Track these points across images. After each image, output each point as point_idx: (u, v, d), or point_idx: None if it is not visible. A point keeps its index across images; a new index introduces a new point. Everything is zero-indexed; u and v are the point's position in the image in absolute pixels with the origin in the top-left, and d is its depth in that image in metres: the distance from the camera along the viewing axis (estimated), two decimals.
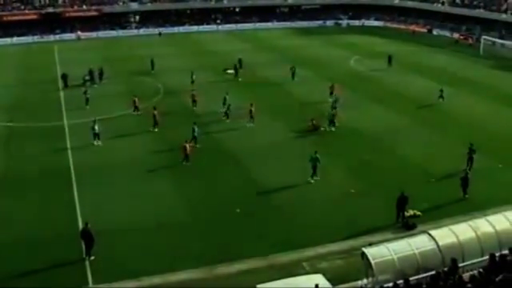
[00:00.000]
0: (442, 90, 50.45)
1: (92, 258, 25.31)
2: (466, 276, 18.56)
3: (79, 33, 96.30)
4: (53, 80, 61.27)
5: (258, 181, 33.76)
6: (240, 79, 60.69)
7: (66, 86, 57.76)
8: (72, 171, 35.35)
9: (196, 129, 39.60)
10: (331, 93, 50.84)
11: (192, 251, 26.10)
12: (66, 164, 36.61)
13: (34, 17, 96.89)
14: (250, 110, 43.75)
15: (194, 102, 48.75)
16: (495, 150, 37.18)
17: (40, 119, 46.67)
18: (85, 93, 50.63)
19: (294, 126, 43.51)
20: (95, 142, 39.88)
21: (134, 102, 47.67)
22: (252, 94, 53.30)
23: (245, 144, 39.89)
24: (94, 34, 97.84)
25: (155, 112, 43.34)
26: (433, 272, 19.50)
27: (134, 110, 47.62)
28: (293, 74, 59.58)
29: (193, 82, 57.19)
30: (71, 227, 27.84)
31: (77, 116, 46.96)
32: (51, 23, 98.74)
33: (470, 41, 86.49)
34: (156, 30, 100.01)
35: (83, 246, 25.54)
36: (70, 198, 31.55)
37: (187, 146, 36.42)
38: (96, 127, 39.93)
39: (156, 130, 42.88)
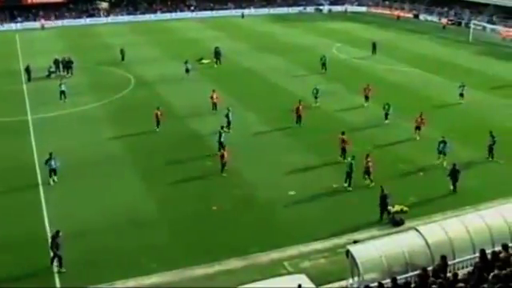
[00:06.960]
0: (462, 86, 47.91)
1: (63, 270, 24.36)
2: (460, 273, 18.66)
3: (43, 21, 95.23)
4: (15, 72, 60.33)
5: (237, 176, 33.62)
6: (215, 66, 62.12)
7: (29, 79, 56.67)
8: (37, 169, 34.74)
9: (230, 114, 40.69)
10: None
11: (166, 252, 25.89)
12: (31, 161, 36.03)
13: None
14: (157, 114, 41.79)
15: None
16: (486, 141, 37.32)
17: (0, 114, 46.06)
18: (60, 85, 49.36)
19: (275, 118, 43.50)
20: (51, 181, 33.03)
21: (157, 115, 41.61)
22: (230, 84, 53.47)
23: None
24: (59, 23, 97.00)
25: (158, 112, 41.62)
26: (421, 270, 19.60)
27: (157, 126, 41.48)
28: (386, 115, 43.27)
29: (188, 70, 56.88)
30: (37, 231, 27.43)
31: (42, 110, 46.37)
32: (11, 10, 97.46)
33: None
34: (127, 18, 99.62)
35: (52, 256, 24.57)
36: (35, 198, 31.08)
37: (225, 153, 34.01)
38: (53, 162, 32.99)
39: (158, 129, 41.23)
